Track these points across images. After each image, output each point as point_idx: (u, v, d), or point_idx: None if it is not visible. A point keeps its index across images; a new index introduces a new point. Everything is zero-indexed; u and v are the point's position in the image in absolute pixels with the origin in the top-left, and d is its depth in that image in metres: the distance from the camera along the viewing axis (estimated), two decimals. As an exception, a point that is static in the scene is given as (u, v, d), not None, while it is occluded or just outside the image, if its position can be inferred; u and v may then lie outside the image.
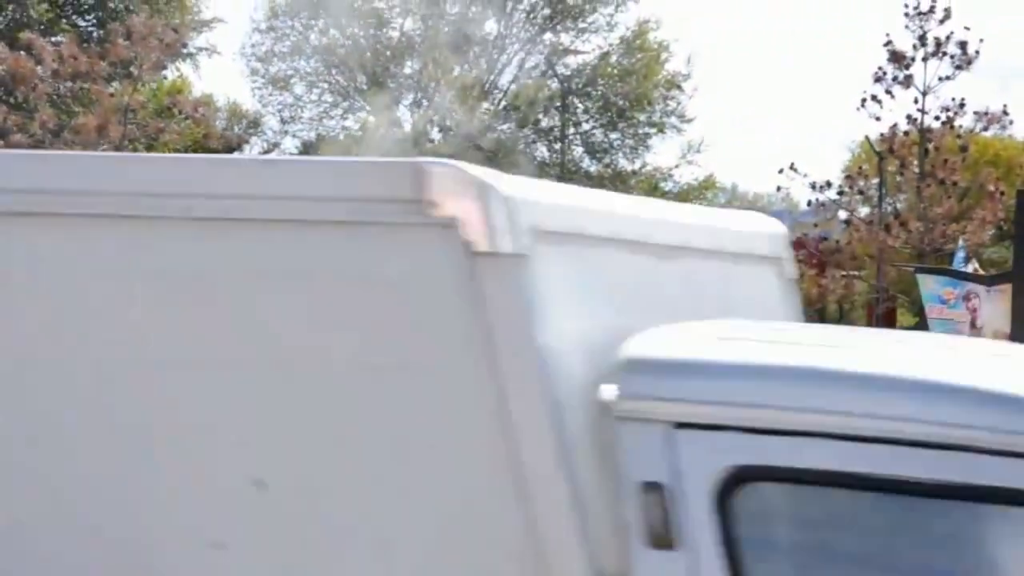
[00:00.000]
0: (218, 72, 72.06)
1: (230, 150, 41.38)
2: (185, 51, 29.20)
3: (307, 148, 36.13)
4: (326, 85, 35.98)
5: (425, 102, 31.13)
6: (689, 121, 38.14)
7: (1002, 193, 16.39)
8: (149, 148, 13.14)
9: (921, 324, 14.37)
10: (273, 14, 36.02)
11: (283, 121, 38.40)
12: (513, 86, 34.29)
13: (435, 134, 27.84)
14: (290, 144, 40.15)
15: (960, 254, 16.28)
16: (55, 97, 14.10)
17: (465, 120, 23.90)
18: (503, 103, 34.22)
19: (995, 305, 11.05)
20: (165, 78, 27.23)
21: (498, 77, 35.78)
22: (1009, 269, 10.95)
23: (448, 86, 26.14)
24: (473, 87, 24.92)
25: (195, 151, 13.35)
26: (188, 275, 2.94)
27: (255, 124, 44.71)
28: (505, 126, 34.49)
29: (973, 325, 11.03)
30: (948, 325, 11.24)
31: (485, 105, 32.20)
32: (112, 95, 12.23)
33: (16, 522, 3.06)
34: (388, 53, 33.75)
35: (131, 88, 12.39)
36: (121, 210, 2.97)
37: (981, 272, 13.36)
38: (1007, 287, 10.67)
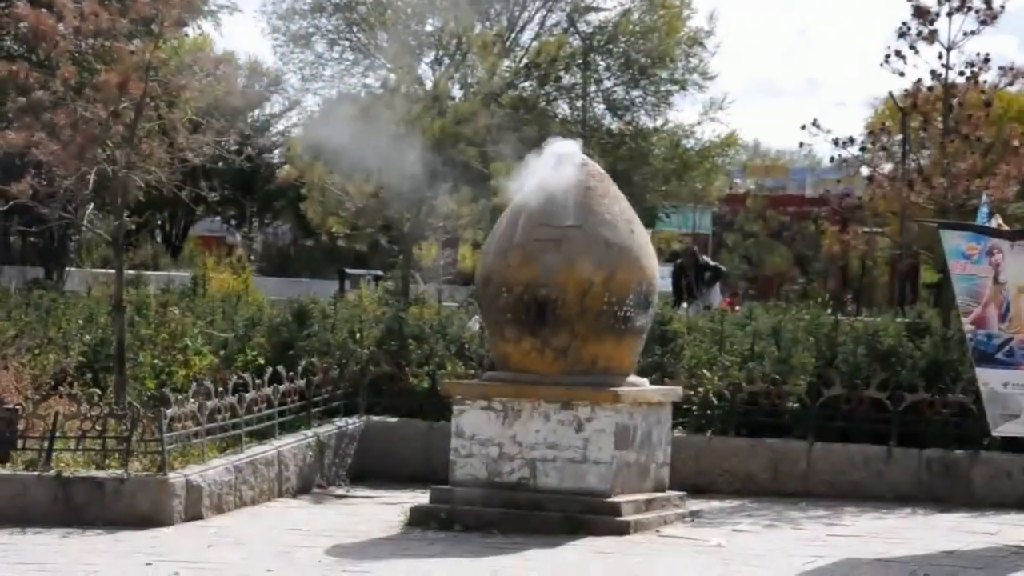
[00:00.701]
0: (239, 30, 71.82)
1: (251, 108, 41.02)
2: (206, 8, 29.02)
3: (329, 105, 35.98)
4: (347, 43, 35.79)
5: (446, 59, 30.96)
6: (711, 78, 37.84)
7: (1026, 148, 16.29)
8: (170, 106, 13.11)
9: (944, 280, 14.26)
10: (294, -29, 35.77)
11: (304, 79, 38.18)
12: (535, 43, 34.06)
13: (456, 91, 27.71)
14: (311, 102, 39.85)
15: (984, 209, 16.15)
16: (76, 54, 14.10)
17: (486, 78, 23.79)
18: (524, 60, 33.98)
19: (1019, 260, 10.98)
20: (187, 35, 27.19)
21: (519, 34, 35.54)
22: (1033, 224, 10.91)
23: (469, 43, 25.99)
24: (494, 44, 24.78)
25: (216, 109, 13.37)
26: None
27: (276, 82, 44.45)
28: (527, 83, 34.27)
29: (996, 280, 10.97)
30: (971, 281, 11.18)
31: (507, 63, 32.00)
32: (133, 52, 12.24)
33: None
34: (409, 10, 33.53)
35: (152, 45, 12.38)
36: None
37: (1005, 227, 13.27)
38: (1031, 242, 10.61)
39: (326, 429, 12.65)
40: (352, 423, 13.10)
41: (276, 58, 39.44)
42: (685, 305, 22.37)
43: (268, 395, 12.03)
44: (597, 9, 36.11)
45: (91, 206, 21.91)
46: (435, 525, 10.40)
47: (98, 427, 10.67)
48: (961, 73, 16.69)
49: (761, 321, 15.14)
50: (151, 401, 11.99)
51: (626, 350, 10.96)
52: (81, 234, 31.92)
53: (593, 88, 35.96)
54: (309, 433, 12.37)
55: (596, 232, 10.82)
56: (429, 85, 25.90)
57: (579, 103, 35.45)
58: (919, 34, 16.50)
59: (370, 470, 12.91)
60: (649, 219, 34.88)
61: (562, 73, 35.04)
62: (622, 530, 10.24)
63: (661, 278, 17.20)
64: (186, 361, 13.79)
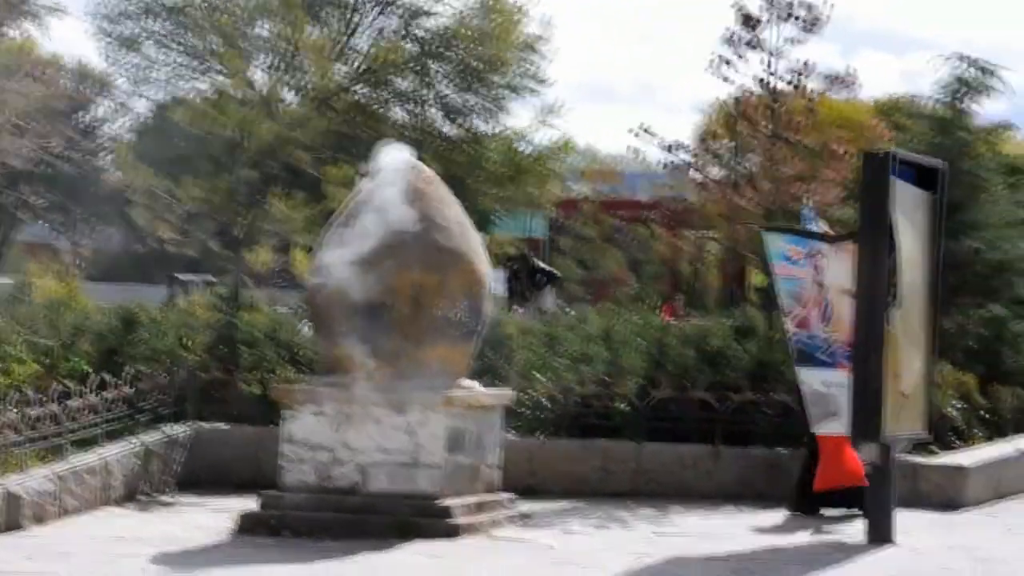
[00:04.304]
0: (66, 32, 70.29)
1: (76, 111, 40.20)
2: (27, 9, 28.37)
3: (160, 110, 35.44)
4: (179, 46, 35.29)
5: (280, 64, 30.69)
6: (546, 83, 38.07)
7: (848, 154, 16.69)
8: (-9, 108, 12.81)
9: (770, 282, 14.56)
10: (123, -27, 35.14)
11: (134, 82, 37.52)
12: (370, 49, 33.89)
13: (289, 96, 27.51)
14: (141, 105, 39.18)
15: (808, 213, 16.52)
16: None
17: (319, 82, 23.66)
18: (359, 65, 33.83)
19: (839, 263, 11.27)
20: (10, 37, 26.54)
21: (354, 39, 35.40)
22: (854, 228, 11.18)
23: (303, 48, 25.83)
24: (328, 48, 24.66)
25: (39, 112, 13.08)
26: None
27: (104, 85, 43.60)
28: (361, 88, 34.15)
29: (818, 282, 11.24)
30: (794, 283, 11.44)
31: (341, 67, 31.82)
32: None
33: None
34: (242, 14, 33.14)
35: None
36: None
37: (828, 231, 13.59)
38: (850, 245, 10.90)
39: (153, 436, 12.45)
40: (181, 430, 12.92)
41: (104, 61, 38.68)
42: (519, 309, 22.51)
43: (94, 403, 11.80)
44: (432, 14, 36.14)
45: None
46: (264, 532, 10.30)
47: (-85, 438, 10.36)
48: (787, 81, 17.06)
49: (593, 324, 15.30)
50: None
51: (458, 354, 10.99)
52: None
53: (429, 93, 35.98)
54: (136, 441, 12.16)
55: (429, 236, 10.83)
56: (263, 90, 25.68)
57: (414, 108, 35.44)
58: (745, 41, 16.83)
59: (200, 477, 12.74)
60: (484, 223, 34.98)
61: (397, 78, 34.99)
62: (453, 532, 10.26)
63: (495, 282, 17.32)
64: (6, 369, 13.45)
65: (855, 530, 10.67)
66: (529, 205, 40.66)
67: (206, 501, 12.00)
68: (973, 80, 18.82)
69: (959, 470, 12.55)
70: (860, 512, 11.15)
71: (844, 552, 9.99)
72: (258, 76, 28.90)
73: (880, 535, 10.37)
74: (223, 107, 20.89)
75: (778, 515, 11.74)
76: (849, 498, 11.62)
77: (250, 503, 10.96)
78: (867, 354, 10.32)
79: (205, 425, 13.18)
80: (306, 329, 14.66)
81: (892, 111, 34.50)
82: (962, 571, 9.38)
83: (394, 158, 11.11)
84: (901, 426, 10.73)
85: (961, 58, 20.04)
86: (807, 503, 11.71)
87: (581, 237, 46.72)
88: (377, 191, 10.92)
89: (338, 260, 10.76)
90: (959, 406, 13.45)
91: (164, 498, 12.14)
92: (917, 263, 10.98)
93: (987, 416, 13.81)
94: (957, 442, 13.16)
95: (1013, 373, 15.48)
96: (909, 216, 10.90)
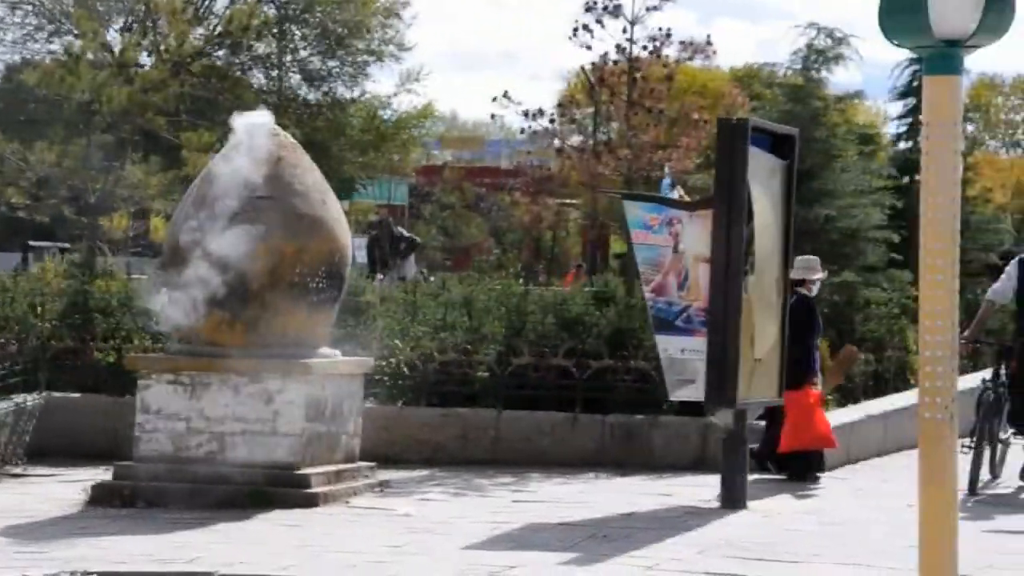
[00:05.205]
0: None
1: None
2: None
3: (11, 71, 34.59)
4: (30, 6, 34.46)
5: (135, 26, 30.13)
6: (408, 49, 37.87)
7: (706, 122, 16.89)
8: None
9: (630, 249, 14.68)
10: (-29, -70, 34.24)
11: (-16, 44, 36.57)
12: (227, 11, 33.41)
13: (145, 59, 27.01)
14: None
15: (666, 180, 16.64)
16: None
17: (175, 46, 23.25)
18: (217, 28, 33.34)
19: (696, 230, 11.36)
20: None
21: (212, 2, 34.85)
22: (711, 196, 11.29)
23: (159, 10, 25.35)
24: (185, 11, 24.23)
25: None
26: None
27: (-48, 46, 42.36)
28: (219, 52, 33.66)
29: (675, 250, 11.34)
30: (652, 250, 11.52)
31: (199, 30, 31.33)
32: None
33: None
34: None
35: None
36: None
37: (686, 198, 13.72)
38: (708, 212, 11.00)
39: (2, 406, 12.18)
40: (31, 399, 12.64)
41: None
42: (380, 276, 22.41)
43: (-60, 373, 11.51)
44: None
45: None
46: (118, 503, 10.14)
47: None
48: (645, 48, 17.20)
49: (454, 291, 15.28)
50: None
51: (318, 322, 10.91)
52: None
53: (289, 58, 35.59)
54: (-17, 410, 11.89)
55: (288, 203, 10.72)
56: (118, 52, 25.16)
57: (274, 73, 35.04)
58: (604, 8, 16.92)
59: (52, 448, 12.50)
60: (346, 190, 34.75)
61: (256, 42, 34.53)
62: (311, 502, 10.20)
63: (356, 249, 17.21)
64: None
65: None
66: (391, 172, 40.50)
67: (58, 472, 11.79)
68: (826, 49, 19.13)
69: (812, 434, 12.77)
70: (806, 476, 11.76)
71: (697, 517, 10.12)
72: (113, 38, 28.33)
73: (733, 499, 10.53)
74: (76, 70, 20.44)
75: (635, 480, 11.86)
76: (792, 462, 11.92)
77: (103, 474, 10.78)
78: (723, 320, 10.45)
79: (56, 394, 12.93)
80: (165, 297, 14.43)
81: (749, 79, 35.00)
82: (812, 534, 9.56)
83: (253, 123, 10.96)
84: (755, 392, 10.90)
85: (815, 27, 20.36)
86: (756, 463, 11.92)
87: (443, 204, 46.66)
88: (235, 157, 10.76)
89: (195, 226, 10.60)
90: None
91: (13, 469, 11.89)
92: (771, 230, 11.14)
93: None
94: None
95: (864, 339, 15.82)
96: (764, 184, 11.04)
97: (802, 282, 12.16)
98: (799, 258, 12.48)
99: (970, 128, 52.03)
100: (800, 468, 11.99)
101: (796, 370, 11.74)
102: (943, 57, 5.19)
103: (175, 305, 10.86)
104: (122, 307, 13.91)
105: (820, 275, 12.51)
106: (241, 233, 10.51)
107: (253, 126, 10.93)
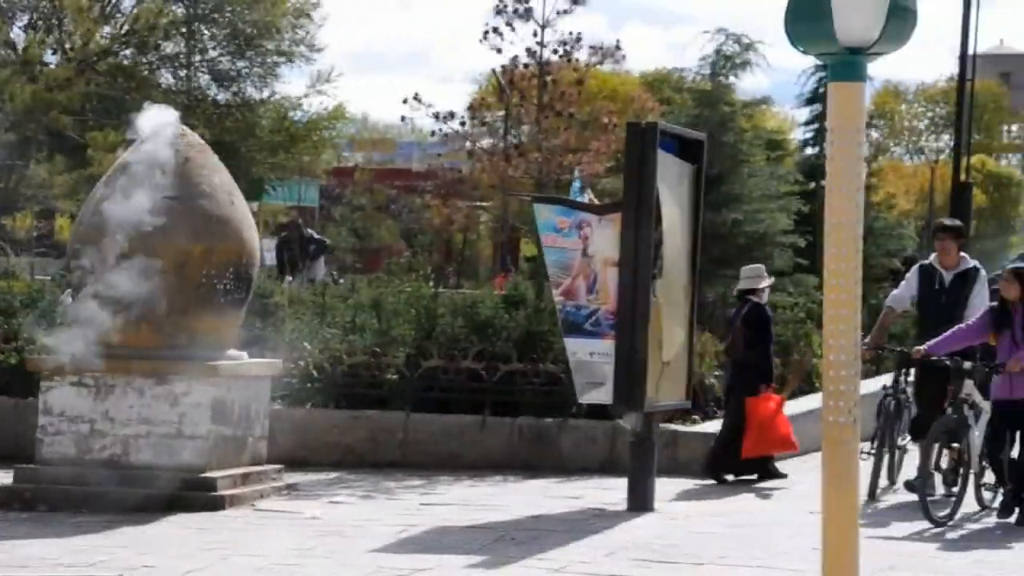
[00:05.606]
0: None
1: None
2: None
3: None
4: (-68, 2, 33.94)
5: (40, 23, 29.70)
6: (319, 50, 37.69)
7: (616, 126, 16.97)
8: None
9: (540, 253, 14.71)
10: None
11: None
12: (134, 10, 33.06)
13: (51, 57, 26.65)
14: None
15: (576, 184, 16.69)
16: None
17: (80, 44, 22.97)
18: (125, 27, 32.98)
19: (606, 233, 11.41)
20: None
21: (119, 0, 34.46)
22: (621, 200, 11.35)
23: (65, 7, 25.05)
24: (91, 8, 23.96)
25: None
26: None
27: None
28: (127, 51, 33.31)
29: (585, 253, 11.38)
30: (562, 253, 11.55)
31: (106, 28, 30.97)
32: None
33: None
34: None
35: None
36: None
37: (596, 202, 13.76)
38: (617, 216, 11.06)
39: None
40: (-69, 403, 12.44)
41: None
42: (289, 278, 22.28)
43: None
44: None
45: None
46: (18, 506, 10.00)
47: None
48: (555, 52, 17.23)
49: (363, 294, 15.22)
50: None
51: (226, 323, 10.83)
52: None
53: (198, 58, 35.28)
54: None
55: (195, 204, 10.63)
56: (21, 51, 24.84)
57: (183, 73, 34.70)
58: (515, 11, 16.94)
59: (-48, 452, 12.28)
60: (255, 191, 34.50)
61: (165, 42, 34.19)
62: (218, 505, 10.12)
63: (265, 251, 17.10)
64: None
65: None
66: (302, 173, 40.26)
67: (-42, 476, 11.58)
68: (734, 55, 19.29)
69: (719, 437, 12.87)
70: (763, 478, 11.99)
71: (604, 519, 10.17)
72: (17, 35, 27.92)
73: (640, 502, 10.59)
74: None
75: (544, 483, 11.88)
76: (753, 467, 12.07)
77: (4, 478, 10.62)
78: (631, 324, 10.50)
79: (-43, 397, 12.71)
80: (69, 298, 14.26)
81: (659, 84, 35.21)
82: (718, 536, 9.64)
83: (160, 123, 10.85)
84: (663, 395, 10.97)
85: (723, 33, 20.52)
86: (713, 470, 12.05)
87: (354, 206, 46.50)
88: (142, 157, 10.65)
89: (101, 227, 10.48)
90: (719, 375, 13.80)
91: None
92: (679, 234, 11.22)
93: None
94: (717, 411, 13.50)
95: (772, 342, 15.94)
96: (673, 188, 11.12)
97: (752, 291, 12.44)
98: (745, 268, 12.87)
99: (874, 135, 52.69)
100: (766, 468, 12.20)
101: (754, 376, 12.05)
102: (847, 64, 5.26)
103: (79, 306, 10.73)
104: (24, 308, 13.71)
105: (768, 281, 12.79)
106: (148, 234, 10.40)
107: (161, 126, 10.83)
